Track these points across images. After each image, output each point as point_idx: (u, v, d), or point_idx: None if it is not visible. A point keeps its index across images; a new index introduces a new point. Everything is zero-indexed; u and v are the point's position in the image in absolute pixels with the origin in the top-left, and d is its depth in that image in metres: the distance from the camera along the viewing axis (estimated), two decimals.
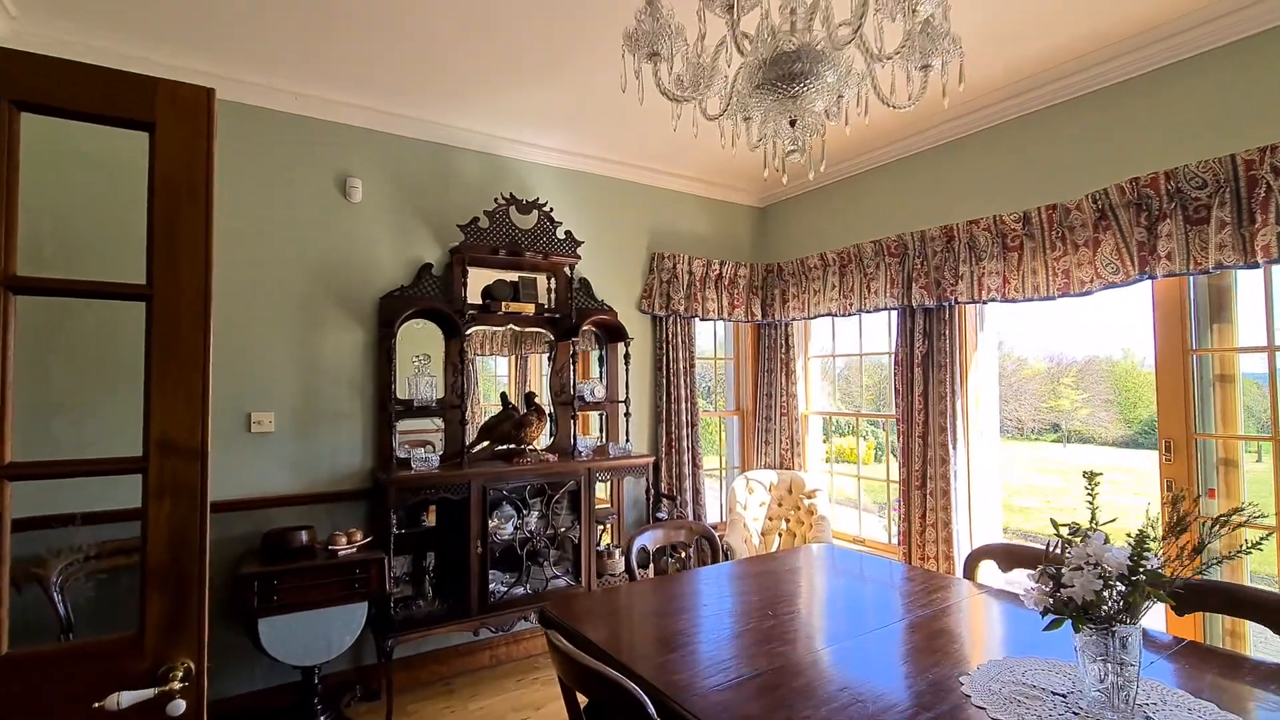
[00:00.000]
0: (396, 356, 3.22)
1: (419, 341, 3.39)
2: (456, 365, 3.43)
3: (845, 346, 4.45)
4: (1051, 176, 3.02)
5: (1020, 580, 1.70)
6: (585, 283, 3.94)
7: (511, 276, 3.64)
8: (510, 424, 3.43)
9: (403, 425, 3.32)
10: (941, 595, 2.17)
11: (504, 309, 3.48)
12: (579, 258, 3.67)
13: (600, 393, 3.82)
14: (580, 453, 3.62)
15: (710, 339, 4.84)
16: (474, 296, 3.50)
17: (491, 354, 3.72)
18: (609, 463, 3.55)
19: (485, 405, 3.69)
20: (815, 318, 4.19)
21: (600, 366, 4.06)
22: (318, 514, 3.11)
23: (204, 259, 1.20)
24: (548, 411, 3.64)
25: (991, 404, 3.47)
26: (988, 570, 2.47)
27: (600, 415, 4.04)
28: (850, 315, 3.96)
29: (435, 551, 3.30)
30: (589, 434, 4.02)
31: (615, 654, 1.66)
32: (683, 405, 4.16)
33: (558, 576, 3.40)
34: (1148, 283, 2.73)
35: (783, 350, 4.51)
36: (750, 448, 4.72)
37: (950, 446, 3.37)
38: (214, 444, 1.13)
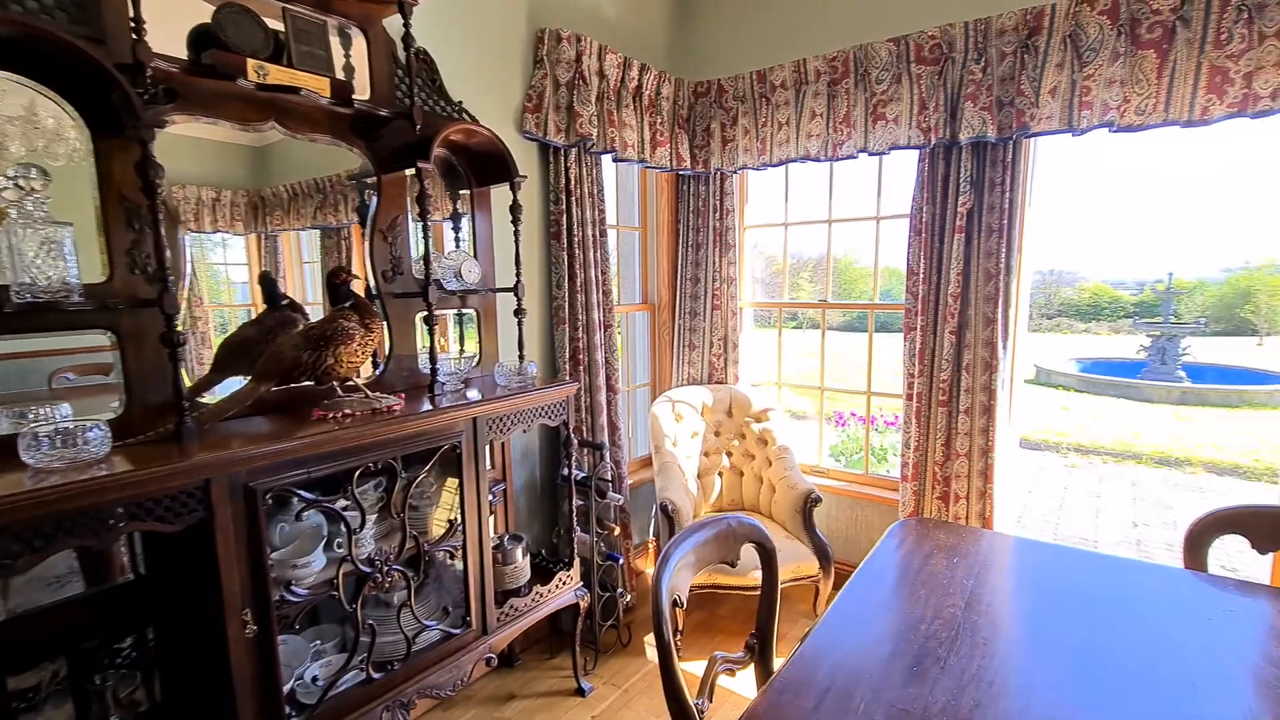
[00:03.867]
0: None
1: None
2: (134, 207, 1.42)
3: (799, 211, 3.23)
4: None
5: None
6: (427, 61, 2.05)
7: (270, 19, 1.62)
8: (302, 339, 1.59)
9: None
10: None
11: (255, 76, 1.50)
12: None
13: (475, 273, 2.09)
14: (442, 385, 1.93)
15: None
16: (174, 46, 1.46)
17: (217, 228, 1.70)
18: (512, 403, 1.93)
19: (211, 308, 1.73)
20: (781, 164, 2.85)
21: (454, 230, 2.28)
22: None
23: None
24: (376, 309, 1.82)
25: (1026, 287, 2.56)
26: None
27: (457, 314, 2.32)
28: (840, 159, 2.69)
29: (157, 616, 1.45)
30: (445, 349, 2.30)
31: None
32: (593, 297, 2.60)
33: (428, 626, 1.78)
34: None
35: (717, 215, 3.13)
36: (666, 356, 3.37)
37: (999, 346, 2.41)
38: None
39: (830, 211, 3.07)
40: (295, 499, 1.48)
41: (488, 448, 1.96)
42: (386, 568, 1.63)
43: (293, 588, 1.48)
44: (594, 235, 2.59)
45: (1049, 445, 7.54)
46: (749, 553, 1.50)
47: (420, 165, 1.79)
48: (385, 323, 1.95)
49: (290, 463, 1.42)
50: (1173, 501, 5.47)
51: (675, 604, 1.23)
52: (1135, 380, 11.34)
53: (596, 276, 2.61)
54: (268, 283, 1.80)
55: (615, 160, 2.68)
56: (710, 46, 3.09)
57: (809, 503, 2.63)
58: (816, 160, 2.73)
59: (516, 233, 2.14)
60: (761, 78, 2.82)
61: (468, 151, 2.13)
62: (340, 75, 1.77)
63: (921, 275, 2.55)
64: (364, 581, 1.60)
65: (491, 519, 2.22)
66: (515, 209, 2.12)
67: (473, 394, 1.94)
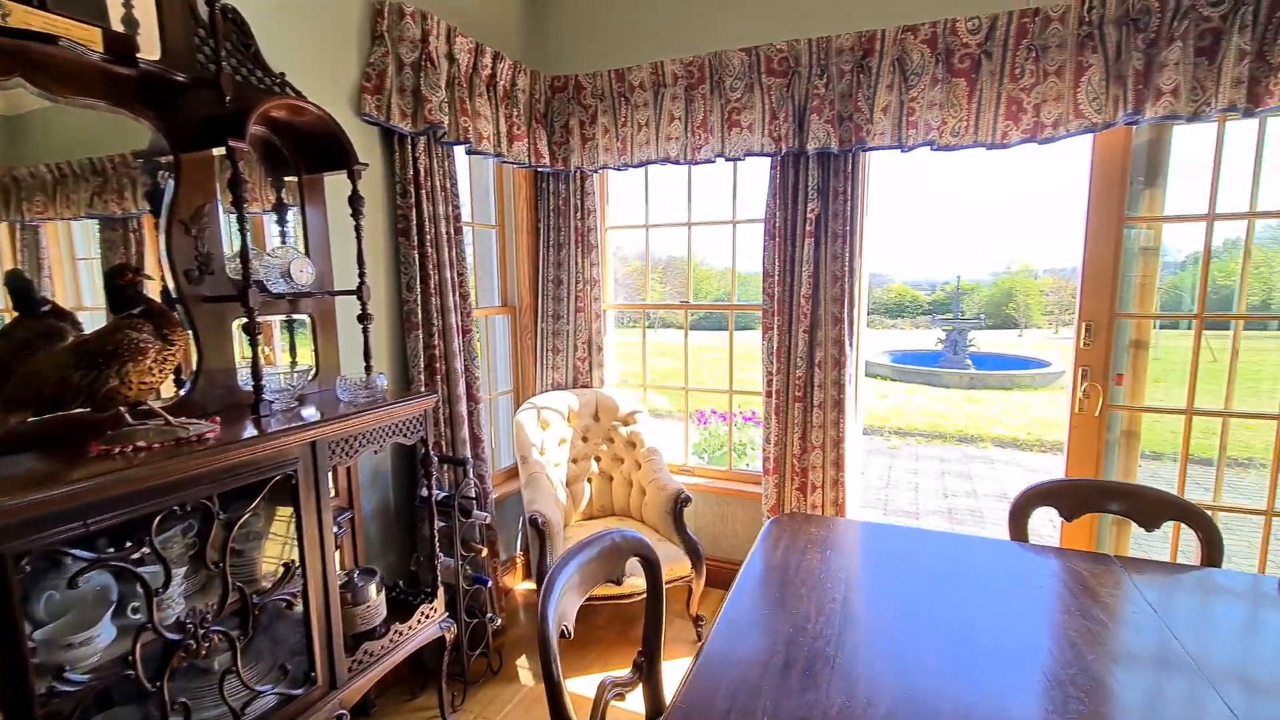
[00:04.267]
0: None
1: None
2: None
3: (659, 213, 3.24)
4: None
5: None
6: (238, 22, 1.73)
7: None
8: (72, 355, 1.25)
9: None
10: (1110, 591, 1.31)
11: None
12: None
13: (307, 273, 1.81)
14: (269, 405, 1.65)
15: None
16: None
17: None
18: (360, 420, 1.69)
19: None
20: (642, 164, 2.83)
21: (279, 223, 1.97)
22: None
23: None
24: (178, 316, 1.50)
25: (865, 288, 2.78)
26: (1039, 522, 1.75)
27: (286, 321, 2.01)
28: (699, 162, 2.74)
29: None
30: (271, 362, 1.98)
31: None
32: (449, 299, 2.40)
33: (261, 691, 1.50)
34: (1085, 137, 2.24)
35: (578, 215, 3.04)
36: (529, 360, 3.22)
37: (846, 343, 2.59)
38: None
39: (690, 214, 3.12)
40: (69, 559, 1.16)
41: (330, 474, 1.71)
42: (203, 630, 1.35)
43: (67, 674, 1.15)
44: (448, 233, 2.39)
45: (874, 430, 8.41)
46: (631, 564, 1.44)
47: (233, 144, 1.50)
48: (191, 332, 1.62)
49: (58, 515, 1.10)
50: (971, 473, 6.35)
51: (562, 635, 1.12)
52: (935, 369, 13.08)
53: (452, 278, 2.41)
54: (19, 283, 1.41)
55: (469, 153, 2.49)
56: (567, 41, 3.00)
57: (679, 503, 2.64)
58: (676, 163, 2.75)
59: (358, 228, 1.90)
60: (620, 77, 2.79)
61: (294, 131, 1.85)
62: (119, 27, 1.43)
63: (776, 277, 2.67)
64: (172, 651, 1.30)
65: (337, 553, 1.95)
66: (356, 201, 1.88)
67: (309, 413, 1.68)
